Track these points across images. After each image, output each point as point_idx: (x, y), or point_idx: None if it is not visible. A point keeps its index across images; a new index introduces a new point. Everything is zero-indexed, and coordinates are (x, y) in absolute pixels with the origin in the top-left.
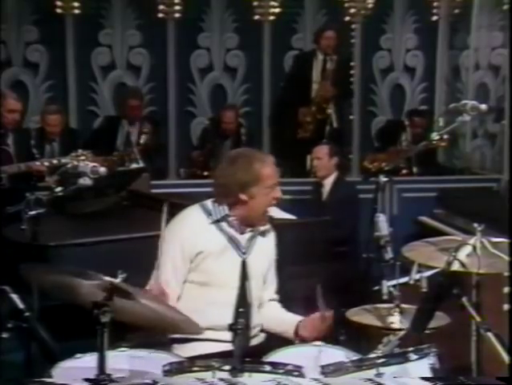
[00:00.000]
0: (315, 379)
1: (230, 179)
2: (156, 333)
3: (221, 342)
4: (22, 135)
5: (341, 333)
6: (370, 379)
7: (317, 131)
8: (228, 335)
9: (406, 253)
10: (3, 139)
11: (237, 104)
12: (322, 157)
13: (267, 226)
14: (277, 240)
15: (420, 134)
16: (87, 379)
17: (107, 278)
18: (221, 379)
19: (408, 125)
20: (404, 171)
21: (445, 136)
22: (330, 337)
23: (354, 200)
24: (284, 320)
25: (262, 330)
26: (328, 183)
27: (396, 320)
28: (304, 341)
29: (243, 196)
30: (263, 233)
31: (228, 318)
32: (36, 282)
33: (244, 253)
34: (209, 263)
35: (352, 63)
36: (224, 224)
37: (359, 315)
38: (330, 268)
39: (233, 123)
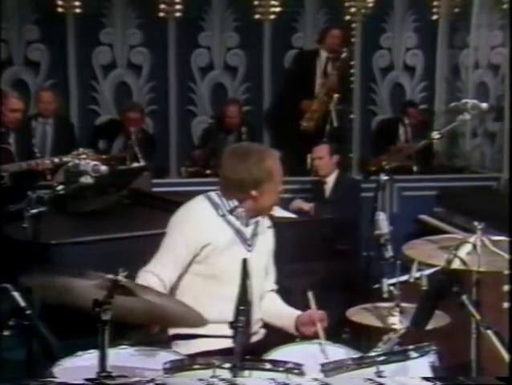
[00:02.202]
0: (315, 379)
1: (244, 175)
2: (159, 327)
3: (222, 337)
4: (23, 134)
5: (345, 331)
6: (370, 379)
7: (317, 130)
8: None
9: (406, 251)
10: (5, 138)
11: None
12: (322, 156)
13: (268, 222)
14: (278, 238)
15: (416, 125)
16: (87, 379)
17: (110, 276)
18: (222, 379)
19: (405, 119)
20: (407, 163)
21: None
22: (333, 335)
23: (356, 195)
24: (283, 314)
25: (263, 326)
26: (331, 180)
27: (396, 321)
28: (304, 335)
29: (254, 193)
30: (263, 226)
31: (230, 312)
32: (36, 290)
33: (250, 246)
34: (216, 256)
35: (352, 62)
36: (231, 217)
37: (359, 315)
38: (330, 266)
39: (236, 117)
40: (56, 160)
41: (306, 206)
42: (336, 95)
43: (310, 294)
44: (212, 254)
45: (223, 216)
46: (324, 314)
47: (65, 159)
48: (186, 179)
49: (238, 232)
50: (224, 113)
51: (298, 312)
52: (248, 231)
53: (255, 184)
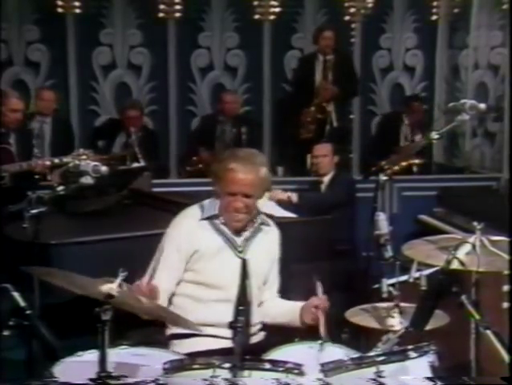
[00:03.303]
0: (319, 379)
1: (215, 164)
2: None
3: (221, 338)
4: (23, 134)
5: (345, 331)
6: (372, 379)
7: (317, 131)
8: (228, 332)
9: (406, 252)
10: (5, 138)
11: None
12: (326, 154)
13: (269, 225)
14: (280, 245)
15: (420, 120)
16: (88, 379)
17: (105, 288)
18: (224, 379)
19: (407, 112)
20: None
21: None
22: (332, 335)
23: (351, 194)
24: (288, 310)
25: (263, 329)
26: (327, 180)
27: (395, 322)
28: (310, 326)
29: (216, 186)
30: (263, 232)
31: (225, 315)
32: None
33: (240, 252)
34: (205, 262)
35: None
36: (218, 223)
37: (358, 316)
38: (330, 266)
39: (235, 103)
40: (56, 160)
41: (284, 196)
42: (329, 109)
43: (318, 283)
44: (200, 261)
45: (208, 221)
46: (326, 300)
47: (65, 159)
48: (186, 179)
49: (227, 238)
50: (222, 100)
51: (301, 303)
52: (239, 237)
53: (212, 174)
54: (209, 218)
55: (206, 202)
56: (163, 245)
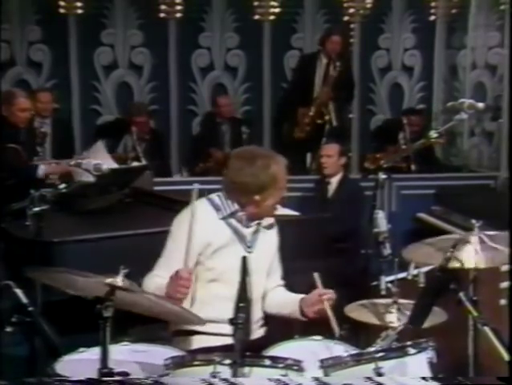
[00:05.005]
0: (315, 378)
1: (250, 179)
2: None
3: (223, 335)
4: (31, 134)
5: (344, 328)
6: (369, 378)
7: (317, 130)
8: (230, 328)
9: (405, 255)
10: (16, 137)
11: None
12: (332, 155)
13: (270, 220)
14: (278, 235)
15: (417, 132)
16: (89, 378)
17: (108, 280)
18: (222, 379)
19: (406, 124)
20: (404, 164)
21: (443, 132)
22: (332, 332)
23: (359, 197)
24: (289, 301)
25: (264, 324)
26: (335, 181)
27: (393, 318)
28: (311, 319)
29: (257, 197)
30: (266, 227)
31: (230, 311)
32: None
33: (249, 247)
34: (216, 257)
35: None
36: (231, 219)
37: (357, 311)
38: (329, 264)
39: (229, 105)
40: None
41: None
42: (329, 108)
43: (316, 275)
44: (211, 255)
45: (224, 218)
46: (332, 293)
47: (72, 163)
48: (188, 178)
49: (238, 233)
50: (218, 104)
51: (302, 295)
52: (248, 232)
53: (259, 188)
54: (228, 216)
55: (215, 198)
56: (174, 238)
